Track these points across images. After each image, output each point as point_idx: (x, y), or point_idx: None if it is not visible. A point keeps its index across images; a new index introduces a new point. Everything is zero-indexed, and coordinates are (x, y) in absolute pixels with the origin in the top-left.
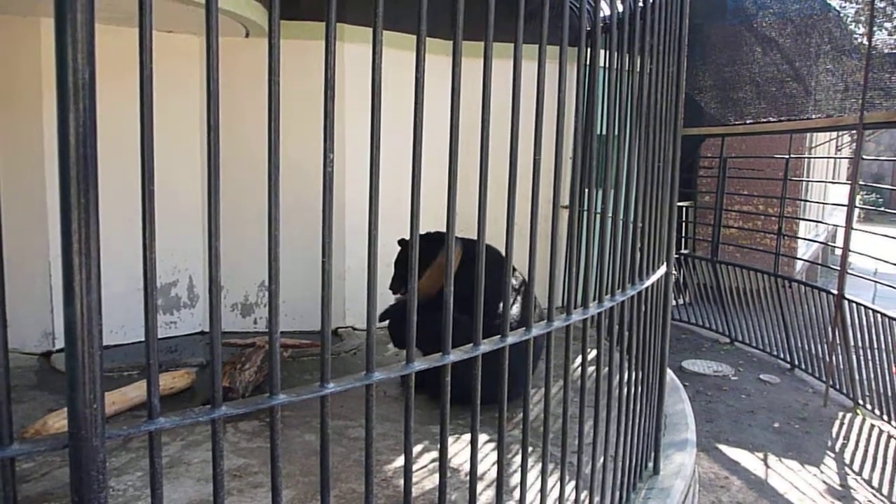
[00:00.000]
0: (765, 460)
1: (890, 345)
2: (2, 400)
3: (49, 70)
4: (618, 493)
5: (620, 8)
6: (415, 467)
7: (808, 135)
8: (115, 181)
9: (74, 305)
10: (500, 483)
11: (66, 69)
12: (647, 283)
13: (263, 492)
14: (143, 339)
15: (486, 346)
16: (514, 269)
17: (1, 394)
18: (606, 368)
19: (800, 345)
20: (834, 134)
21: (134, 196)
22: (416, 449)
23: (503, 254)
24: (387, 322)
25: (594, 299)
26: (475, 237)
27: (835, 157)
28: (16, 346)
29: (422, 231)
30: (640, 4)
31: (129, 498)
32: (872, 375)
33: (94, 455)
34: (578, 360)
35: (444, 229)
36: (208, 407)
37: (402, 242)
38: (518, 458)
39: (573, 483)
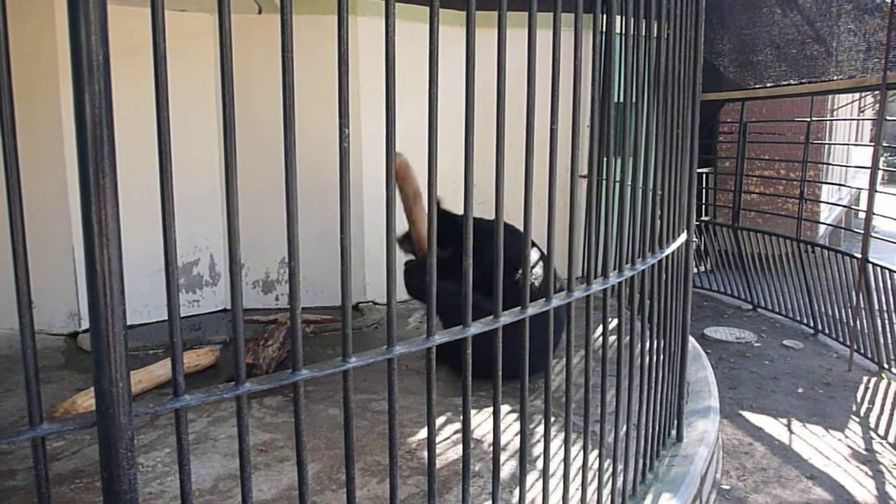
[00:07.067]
0: (789, 426)
1: None
2: (31, 380)
3: (64, 52)
4: (641, 461)
5: None
6: (438, 439)
7: (830, 97)
8: (133, 162)
9: (97, 286)
10: (524, 453)
11: (81, 51)
12: (668, 251)
13: (289, 465)
14: (166, 317)
15: (506, 317)
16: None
17: (30, 374)
18: (628, 338)
19: (823, 310)
20: (856, 95)
21: (152, 176)
22: (439, 421)
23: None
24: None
25: (615, 268)
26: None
27: (857, 119)
28: (42, 327)
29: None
30: None
31: (158, 474)
32: None
33: (122, 433)
34: (599, 329)
35: (460, 204)
36: (233, 383)
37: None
38: (541, 429)
39: (596, 452)
